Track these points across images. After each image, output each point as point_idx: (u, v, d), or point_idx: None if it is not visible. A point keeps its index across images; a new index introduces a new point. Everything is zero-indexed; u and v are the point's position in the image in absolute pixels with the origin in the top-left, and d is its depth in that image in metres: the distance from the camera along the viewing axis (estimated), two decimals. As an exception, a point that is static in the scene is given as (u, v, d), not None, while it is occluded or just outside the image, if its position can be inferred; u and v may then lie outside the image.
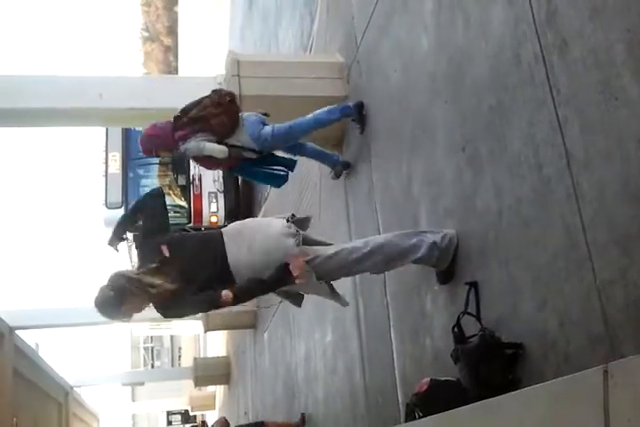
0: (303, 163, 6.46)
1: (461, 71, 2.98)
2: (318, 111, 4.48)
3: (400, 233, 3.12)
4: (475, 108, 2.84)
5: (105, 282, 3.06)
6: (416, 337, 3.50)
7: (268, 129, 4.38)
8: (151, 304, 3.04)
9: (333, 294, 3.23)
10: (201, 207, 10.96)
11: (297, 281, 2.90)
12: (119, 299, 3.00)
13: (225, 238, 3.01)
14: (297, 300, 3.30)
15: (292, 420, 6.78)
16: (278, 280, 2.94)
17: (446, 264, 3.05)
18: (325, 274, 3.05)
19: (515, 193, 2.51)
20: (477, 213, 2.82)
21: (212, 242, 3.03)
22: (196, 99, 4.33)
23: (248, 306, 9.97)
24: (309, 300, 6.32)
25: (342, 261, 3.03)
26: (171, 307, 3.02)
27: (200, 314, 10.22)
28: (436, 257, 3.03)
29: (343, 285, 4.90)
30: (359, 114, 4.42)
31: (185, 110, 4.30)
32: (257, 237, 2.98)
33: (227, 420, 7.11)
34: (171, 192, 11.38)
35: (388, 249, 3.04)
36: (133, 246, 3.19)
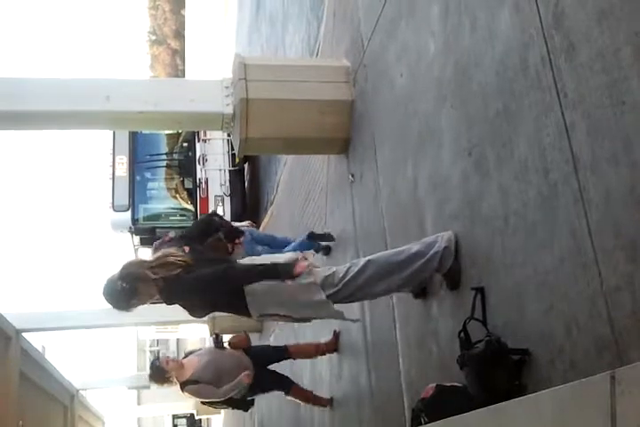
0: (310, 166, 6.47)
1: (468, 75, 2.98)
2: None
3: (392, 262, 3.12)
4: (481, 112, 2.83)
5: (116, 273, 3.10)
6: (422, 342, 3.49)
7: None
8: (157, 294, 3.15)
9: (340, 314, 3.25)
10: (207, 211, 10.99)
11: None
12: (131, 291, 3.09)
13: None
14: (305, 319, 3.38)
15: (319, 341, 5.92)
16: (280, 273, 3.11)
17: (448, 265, 3.05)
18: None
19: (521, 198, 2.50)
20: (483, 218, 2.81)
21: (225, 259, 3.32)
22: None
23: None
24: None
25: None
26: (176, 290, 3.12)
27: (206, 318, 10.22)
28: (437, 263, 3.05)
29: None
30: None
31: None
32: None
33: (247, 336, 5.90)
34: (177, 195, 11.41)
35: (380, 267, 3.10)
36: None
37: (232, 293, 3.08)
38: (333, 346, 5.55)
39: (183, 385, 5.33)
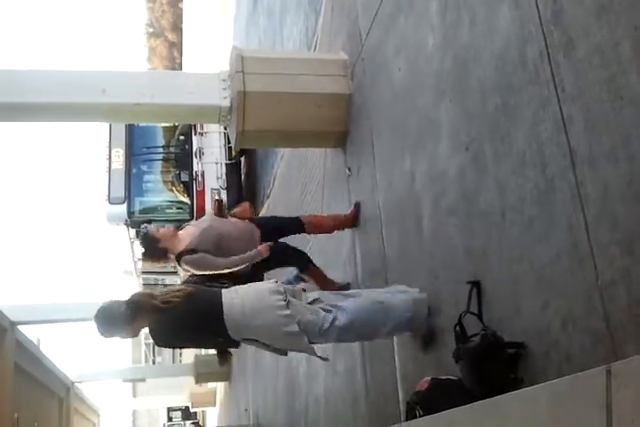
0: (307, 160, 6.47)
1: (466, 70, 2.97)
2: None
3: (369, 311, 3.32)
4: (479, 107, 2.83)
5: (121, 299, 3.23)
6: (417, 336, 3.49)
7: None
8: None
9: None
10: (204, 204, 10.98)
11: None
12: (131, 316, 3.17)
13: (223, 291, 3.31)
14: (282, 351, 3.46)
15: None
16: None
17: (423, 327, 3.30)
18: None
19: (518, 192, 2.50)
20: (480, 212, 2.81)
21: (212, 292, 3.32)
22: None
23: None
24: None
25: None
26: (161, 329, 3.25)
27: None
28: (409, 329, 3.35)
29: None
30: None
31: None
32: (250, 291, 3.31)
33: (251, 206, 4.89)
34: (173, 188, 11.39)
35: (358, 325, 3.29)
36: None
37: (212, 316, 3.17)
38: (353, 220, 4.68)
39: (179, 257, 4.31)
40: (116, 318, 3.18)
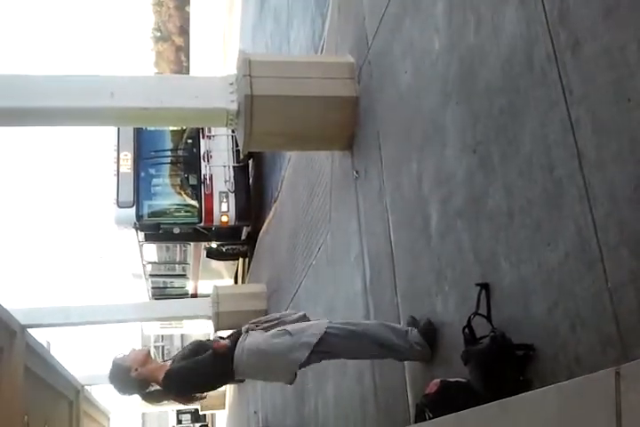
0: (314, 163, 6.48)
1: (473, 72, 2.97)
2: None
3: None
4: (486, 109, 2.83)
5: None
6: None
7: None
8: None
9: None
10: (212, 207, 11.01)
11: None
12: (141, 387, 3.40)
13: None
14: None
15: None
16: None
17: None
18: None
19: (526, 194, 2.50)
20: (488, 214, 2.82)
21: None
22: None
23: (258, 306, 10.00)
24: (318, 301, 6.31)
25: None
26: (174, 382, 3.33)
27: (211, 312, 10.26)
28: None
29: (354, 284, 4.91)
30: None
31: None
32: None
33: None
34: (182, 192, 11.42)
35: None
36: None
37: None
38: None
39: None
40: (129, 385, 3.45)
